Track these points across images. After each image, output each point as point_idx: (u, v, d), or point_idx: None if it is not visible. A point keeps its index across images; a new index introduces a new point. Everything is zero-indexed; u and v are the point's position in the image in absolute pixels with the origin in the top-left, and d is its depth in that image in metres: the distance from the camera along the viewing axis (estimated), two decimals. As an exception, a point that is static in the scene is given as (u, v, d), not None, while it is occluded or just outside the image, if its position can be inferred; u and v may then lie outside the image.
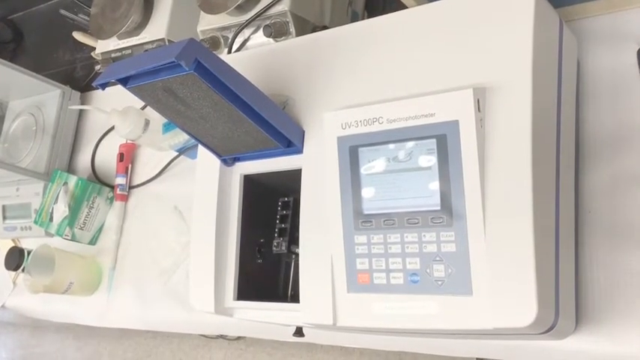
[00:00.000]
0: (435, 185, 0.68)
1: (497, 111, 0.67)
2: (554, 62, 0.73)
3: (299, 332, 0.94)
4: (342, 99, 0.78)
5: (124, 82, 0.72)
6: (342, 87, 0.79)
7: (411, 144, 0.70)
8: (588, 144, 0.81)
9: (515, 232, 0.64)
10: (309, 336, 0.95)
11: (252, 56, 0.91)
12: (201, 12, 1.10)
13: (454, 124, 0.67)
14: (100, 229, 1.31)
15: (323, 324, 0.74)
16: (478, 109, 0.67)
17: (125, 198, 1.29)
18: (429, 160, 0.69)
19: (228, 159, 0.88)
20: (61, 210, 1.25)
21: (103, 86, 0.72)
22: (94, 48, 1.29)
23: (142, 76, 0.70)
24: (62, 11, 1.55)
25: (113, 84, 0.73)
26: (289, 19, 1.01)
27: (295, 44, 0.90)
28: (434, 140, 0.68)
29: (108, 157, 1.35)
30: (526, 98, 0.66)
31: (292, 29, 1.02)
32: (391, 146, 0.71)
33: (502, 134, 0.66)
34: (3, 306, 1.45)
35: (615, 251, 0.75)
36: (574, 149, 0.79)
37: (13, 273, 1.40)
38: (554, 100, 0.73)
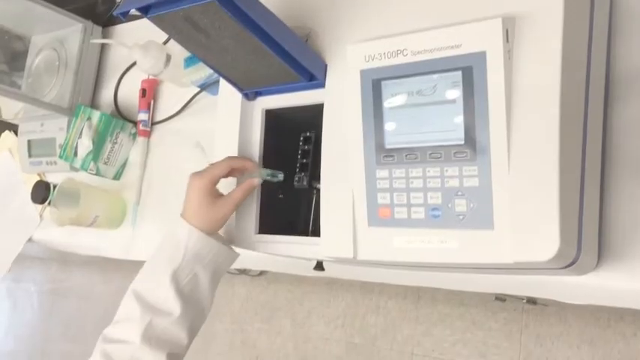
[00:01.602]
0: (459, 119, 0.67)
1: (527, 42, 0.65)
2: (587, -7, 0.71)
3: (319, 266, 0.95)
4: (366, 31, 0.76)
5: (144, 10, 0.71)
6: (366, 18, 0.77)
7: (435, 77, 0.69)
8: (618, 79, 0.78)
9: (540, 167, 0.63)
10: (330, 270, 0.96)
11: (274, -13, 0.89)
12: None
13: (481, 56, 0.66)
14: (124, 165, 1.32)
15: (343, 257, 0.75)
16: (507, 39, 0.65)
17: (148, 134, 1.29)
18: (454, 94, 0.68)
19: (250, 93, 0.87)
20: (85, 145, 1.26)
21: (124, 15, 0.71)
22: (115, -19, 1.27)
23: (163, 4, 0.69)
24: (82, -56, 1.53)
25: (135, 18, 0.71)
26: (313, -51, 0.98)
27: (319, -25, 0.88)
28: (459, 73, 0.67)
29: (130, 92, 1.35)
30: (557, 30, 0.64)
31: (316, -40, 0.99)
32: (415, 79, 0.70)
33: (530, 67, 0.65)
34: (31, 239, 1.48)
35: (641, 188, 0.74)
36: (604, 84, 0.77)
37: (39, 206, 1.43)
38: (586, 33, 0.70)
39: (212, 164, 0.82)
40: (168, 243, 0.82)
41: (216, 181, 0.82)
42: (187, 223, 0.81)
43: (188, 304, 0.80)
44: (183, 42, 0.77)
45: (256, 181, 0.83)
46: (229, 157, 0.83)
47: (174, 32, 0.75)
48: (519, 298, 1.48)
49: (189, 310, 0.81)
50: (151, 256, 0.84)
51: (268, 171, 0.85)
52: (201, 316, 0.84)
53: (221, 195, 0.83)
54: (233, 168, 0.82)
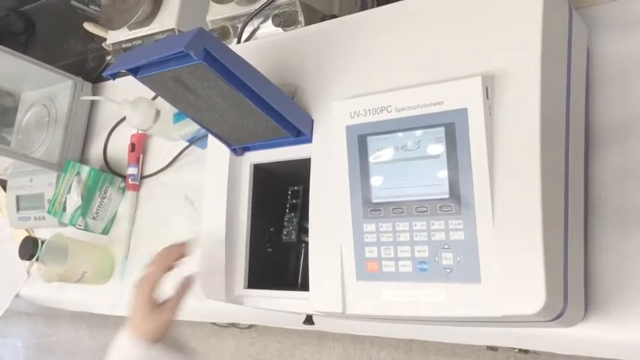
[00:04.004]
0: (443, 173, 0.69)
1: (506, 99, 0.67)
2: (563, 49, 0.73)
3: (309, 320, 0.95)
4: (351, 88, 0.78)
5: (134, 72, 0.73)
6: (351, 76, 0.79)
7: (419, 132, 0.70)
8: (598, 132, 0.80)
9: (523, 220, 0.64)
10: (320, 324, 0.95)
11: (261, 46, 0.92)
12: (211, 2, 1.10)
13: (463, 112, 0.67)
14: (113, 219, 1.32)
15: (332, 312, 0.75)
16: (487, 96, 0.67)
17: (137, 188, 1.30)
18: (438, 149, 0.69)
19: (238, 148, 0.88)
20: (74, 200, 1.26)
21: (114, 76, 0.73)
22: (105, 39, 1.30)
23: (152, 66, 0.71)
24: (73, 2, 1.56)
25: (124, 74, 0.73)
26: (298, 8, 1.01)
27: (304, 33, 0.90)
28: (442, 129, 0.69)
29: (119, 147, 1.36)
30: (535, 86, 0.66)
31: (301, 18, 1.01)
32: (400, 135, 0.71)
33: (511, 122, 0.66)
34: (18, 295, 1.46)
35: (625, 239, 0.75)
36: (584, 137, 0.78)
37: (27, 262, 1.42)
38: (564, 87, 0.72)
39: (148, 266, 0.81)
40: (115, 354, 0.81)
41: (155, 286, 0.80)
42: (131, 332, 0.80)
43: None
44: (172, 100, 0.79)
45: (190, 281, 0.83)
46: (160, 255, 0.81)
47: (162, 91, 0.77)
48: (511, 348, 1.47)
49: None
50: None
51: None
52: None
53: (163, 302, 0.81)
54: (169, 264, 0.81)
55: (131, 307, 0.81)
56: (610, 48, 0.82)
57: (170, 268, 0.82)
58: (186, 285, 0.83)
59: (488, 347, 1.49)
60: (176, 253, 0.82)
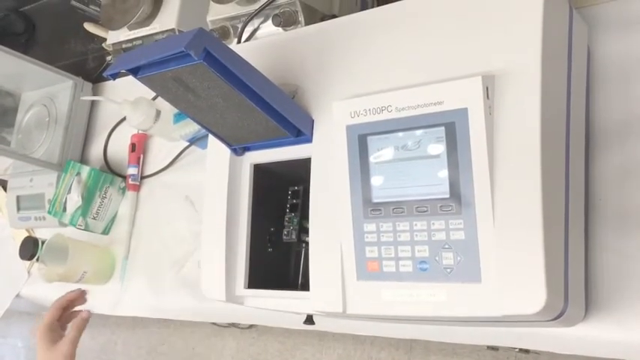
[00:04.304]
0: (443, 173, 0.69)
1: (507, 98, 0.67)
2: (563, 49, 0.73)
3: (309, 320, 0.95)
4: (351, 88, 0.78)
5: (134, 72, 0.73)
6: (352, 76, 0.79)
7: (419, 132, 0.70)
8: (599, 131, 0.80)
9: (524, 220, 0.64)
10: (320, 324, 0.95)
11: (261, 46, 0.92)
12: (211, 2, 1.10)
13: (463, 112, 0.67)
14: (113, 219, 1.32)
15: (333, 312, 0.75)
16: (487, 96, 0.67)
17: (137, 188, 1.30)
18: (438, 149, 0.69)
19: (238, 148, 0.88)
20: (74, 200, 1.26)
21: (114, 76, 0.73)
22: (105, 39, 1.30)
23: (152, 66, 0.71)
24: (73, 2, 1.56)
25: (124, 74, 0.73)
26: (298, 8, 1.01)
27: (304, 33, 0.90)
28: (442, 128, 0.69)
29: (120, 147, 1.36)
30: (535, 85, 0.66)
31: (301, 18, 1.01)
32: (400, 134, 0.71)
33: (511, 122, 0.66)
34: (18, 295, 1.46)
35: (625, 238, 0.75)
36: (584, 137, 0.78)
37: (27, 262, 1.42)
38: (564, 87, 0.72)
39: (47, 313, 0.94)
40: None
41: (51, 327, 0.93)
42: None
43: None
44: (172, 100, 0.79)
45: (85, 314, 0.94)
46: (56, 301, 0.96)
47: (163, 91, 0.77)
48: (512, 348, 1.47)
49: None
50: None
51: None
52: None
53: (60, 338, 0.94)
54: (63, 307, 0.95)
55: (37, 352, 0.93)
56: (610, 48, 0.82)
57: (66, 309, 0.95)
58: (82, 320, 0.94)
59: (488, 347, 1.48)
60: (70, 297, 0.96)
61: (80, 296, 0.91)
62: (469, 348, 1.71)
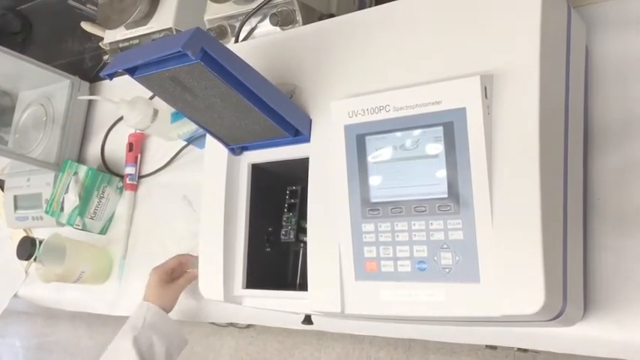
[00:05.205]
0: (442, 173, 0.68)
1: (505, 98, 0.67)
2: (562, 49, 0.73)
3: (308, 320, 0.95)
4: (349, 87, 0.78)
5: (131, 72, 0.72)
6: (349, 75, 0.79)
7: (417, 132, 0.70)
8: (597, 131, 0.80)
9: (522, 220, 0.63)
10: (318, 324, 0.95)
11: (259, 45, 0.91)
12: (208, 1, 1.10)
13: (461, 112, 0.67)
14: (111, 219, 1.32)
15: (331, 312, 0.75)
16: (485, 96, 0.66)
17: (135, 187, 1.30)
18: (436, 148, 0.69)
19: (236, 148, 0.88)
20: (71, 200, 1.26)
21: (111, 76, 0.72)
22: (102, 38, 1.29)
23: (149, 65, 0.71)
24: (70, 1, 1.56)
25: (121, 74, 0.73)
26: (296, 7, 1.01)
27: (302, 33, 0.90)
28: (441, 128, 0.68)
29: (117, 147, 1.36)
30: (534, 85, 0.66)
31: (299, 17, 1.01)
32: (398, 134, 0.71)
33: (509, 121, 0.66)
34: (16, 295, 1.46)
35: (624, 238, 0.75)
36: (582, 136, 0.78)
37: (25, 262, 1.41)
38: (563, 86, 0.72)
39: (167, 260, 1.07)
40: (132, 317, 1.02)
41: (168, 272, 1.05)
42: (145, 301, 1.03)
43: None
44: (170, 100, 0.78)
45: (195, 272, 1.03)
46: (178, 255, 1.07)
47: (160, 91, 0.76)
48: (510, 347, 1.47)
49: None
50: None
51: None
52: None
53: (174, 281, 1.05)
54: (181, 262, 1.06)
55: (146, 286, 1.05)
56: (609, 47, 0.82)
57: (181, 266, 1.06)
58: (191, 275, 1.04)
59: (487, 346, 1.49)
60: (188, 259, 1.06)
61: (194, 262, 1.06)
62: (467, 347, 1.71)
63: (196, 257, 1.00)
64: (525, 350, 1.54)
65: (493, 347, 1.53)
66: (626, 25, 0.81)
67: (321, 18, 1.05)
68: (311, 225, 0.79)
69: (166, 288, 1.03)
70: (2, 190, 1.49)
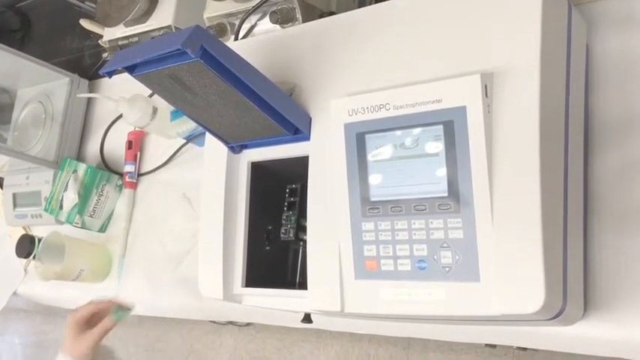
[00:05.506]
0: (442, 172, 0.68)
1: (505, 96, 0.66)
2: (562, 47, 0.73)
3: (307, 319, 0.94)
4: (349, 85, 0.78)
5: (130, 69, 0.72)
6: (349, 73, 0.79)
7: (417, 130, 0.70)
8: (598, 129, 0.80)
9: (523, 219, 0.63)
10: (318, 322, 0.95)
11: (258, 43, 0.91)
12: (208, -1, 1.10)
13: (461, 110, 0.67)
14: (110, 217, 1.32)
15: (331, 310, 0.75)
16: (485, 94, 0.66)
17: (134, 185, 1.29)
18: (436, 147, 0.69)
19: (236, 146, 0.88)
20: (70, 198, 1.25)
21: (110, 74, 0.72)
22: (102, 36, 1.29)
23: (149, 63, 0.70)
24: (69, -1, 1.55)
25: (121, 72, 0.73)
26: (296, 5, 1.00)
27: (302, 30, 0.90)
28: (441, 126, 0.68)
29: (116, 144, 1.36)
30: (534, 83, 0.65)
31: (299, 15, 1.01)
32: (398, 133, 0.71)
33: (510, 120, 0.66)
34: (15, 293, 1.46)
35: (624, 237, 0.75)
36: (583, 135, 0.78)
37: (24, 260, 1.41)
38: (563, 85, 0.72)
39: (84, 306, 1.01)
40: None
41: (84, 319, 0.99)
42: (62, 353, 0.98)
43: None
44: (169, 98, 0.78)
45: (109, 323, 0.99)
46: (94, 301, 1.01)
47: (159, 89, 0.76)
48: (510, 345, 1.47)
49: None
50: None
51: (119, 312, 0.99)
52: None
53: (89, 330, 0.99)
54: (99, 308, 1.00)
55: (64, 334, 0.99)
56: (609, 45, 0.82)
57: (96, 313, 0.99)
58: (105, 325, 0.99)
59: (486, 344, 1.48)
60: (104, 305, 1.00)
61: (109, 308, 1.01)
62: (467, 345, 1.71)
63: (114, 303, 0.99)
64: (524, 349, 1.54)
65: (492, 346, 1.53)
66: (627, 24, 0.81)
67: (321, 16, 1.04)
68: (311, 223, 0.78)
69: (80, 338, 0.99)
70: (1, 187, 1.49)
